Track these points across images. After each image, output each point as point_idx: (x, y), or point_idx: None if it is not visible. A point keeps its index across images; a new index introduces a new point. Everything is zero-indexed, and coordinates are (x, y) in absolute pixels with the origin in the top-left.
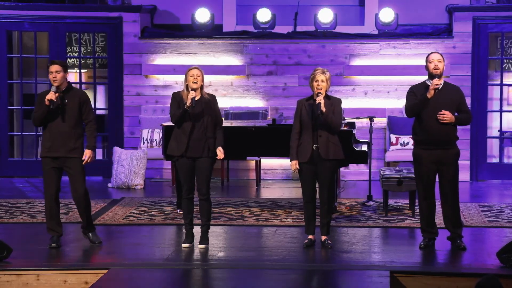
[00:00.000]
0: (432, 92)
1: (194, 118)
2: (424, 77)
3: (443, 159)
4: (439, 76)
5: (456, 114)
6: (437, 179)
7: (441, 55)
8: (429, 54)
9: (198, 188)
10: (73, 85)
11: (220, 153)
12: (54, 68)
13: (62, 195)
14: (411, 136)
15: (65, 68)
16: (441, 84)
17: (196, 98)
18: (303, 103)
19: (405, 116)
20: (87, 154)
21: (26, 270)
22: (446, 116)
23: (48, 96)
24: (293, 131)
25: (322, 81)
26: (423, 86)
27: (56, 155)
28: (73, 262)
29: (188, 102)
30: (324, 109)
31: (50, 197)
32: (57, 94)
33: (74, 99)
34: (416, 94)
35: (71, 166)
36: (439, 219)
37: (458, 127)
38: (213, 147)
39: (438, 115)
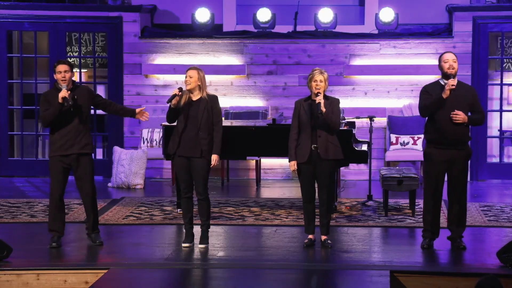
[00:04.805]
0: (448, 92)
1: (187, 117)
2: (424, 77)
3: (455, 159)
4: (454, 76)
5: (469, 114)
6: (445, 179)
7: (455, 55)
8: (443, 54)
9: (195, 188)
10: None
11: (213, 161)
12: (63, 67)
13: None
14: (423, 134)
15: (72, 67)
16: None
17: (195, 99)
18: (301, 103)
19: (405, 115)
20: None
21: (26, 270)
22: (459, 116)
23: (62, 94)
24: (292, 131)
25: (321, 81)
26: (438, 85)
27: (68, 153)
28: (73, 262)
29: (173, 102)
30: (324, 109)
31: (57, 198)
32: (69, 92)
33: (83, 96)
34: (430, 94)
35: (82, 163)
36: (442, 220)
37: None
38: (206, 148)
39: (451, 115)
